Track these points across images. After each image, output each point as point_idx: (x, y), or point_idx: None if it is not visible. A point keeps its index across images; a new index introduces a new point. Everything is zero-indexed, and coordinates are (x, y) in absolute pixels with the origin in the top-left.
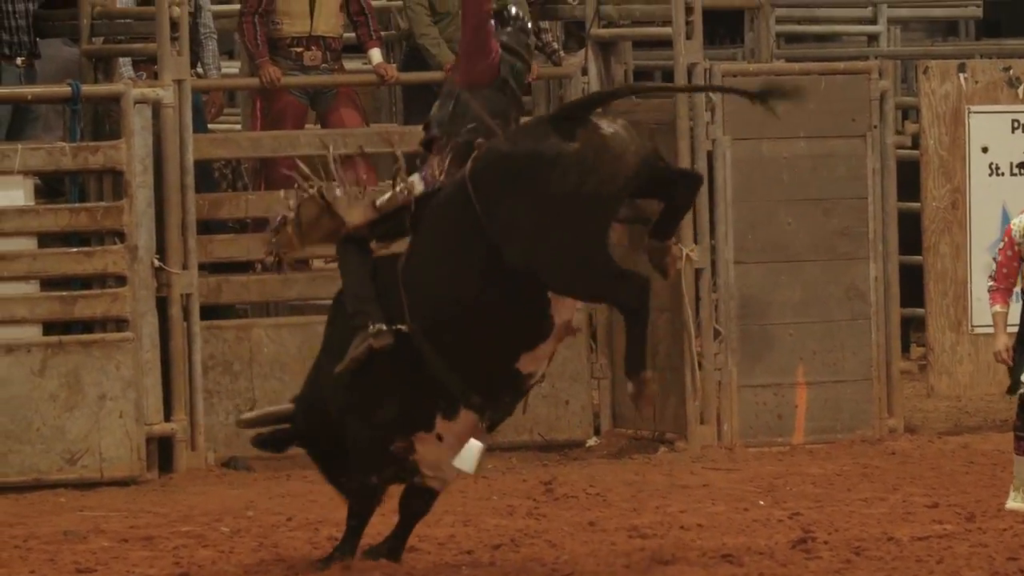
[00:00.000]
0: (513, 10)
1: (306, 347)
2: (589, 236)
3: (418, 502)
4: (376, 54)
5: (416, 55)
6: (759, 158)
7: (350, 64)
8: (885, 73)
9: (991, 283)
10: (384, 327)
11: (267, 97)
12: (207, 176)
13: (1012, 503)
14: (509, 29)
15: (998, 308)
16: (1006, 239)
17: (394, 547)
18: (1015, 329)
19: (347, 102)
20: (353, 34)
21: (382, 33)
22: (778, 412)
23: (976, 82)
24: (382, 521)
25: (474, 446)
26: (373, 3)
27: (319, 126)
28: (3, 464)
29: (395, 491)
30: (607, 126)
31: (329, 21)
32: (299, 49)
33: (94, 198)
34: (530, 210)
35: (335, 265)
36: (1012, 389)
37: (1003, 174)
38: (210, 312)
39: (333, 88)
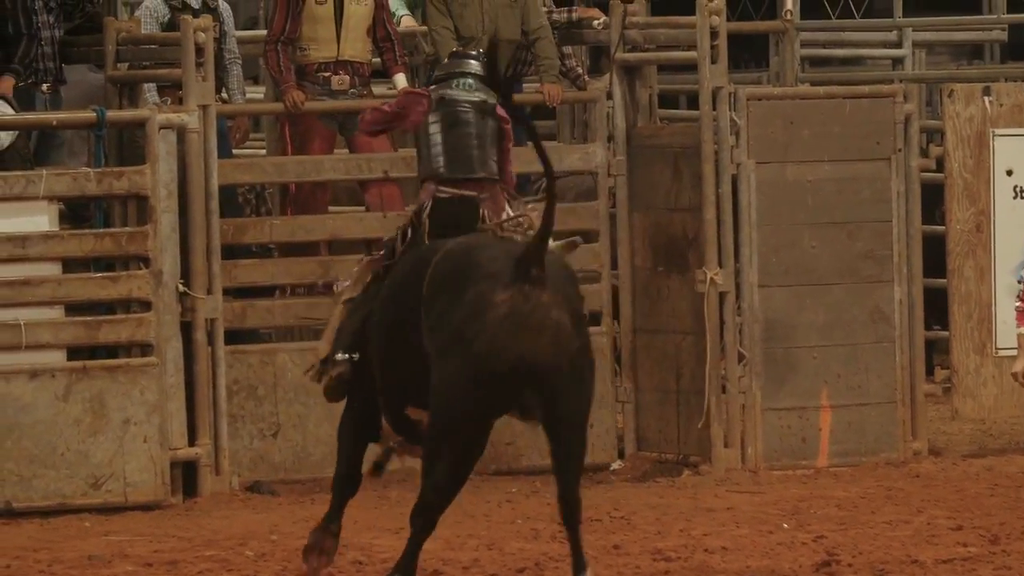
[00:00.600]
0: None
1: None
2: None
3: None
4: (401, 79)
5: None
6: (783, 181)
7: (378, 89)
8: (910, 96)
9: (1018, 303)
10: (342, 356)
11: (295, 123)
12: (232, 201)
13: None
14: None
15: (1022, 330)
16: None
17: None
18: None
19: None
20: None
21: (407, 58)
22: (802, 435)
23: (1001, 105)
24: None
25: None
26: (399, 28)
27: (347, 151)
28: (28, 489)
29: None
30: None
31: (356, 46)
32: (327, 74)
33: (119, 223)
34: (444, 335)
35: None
36: None
37: None
38: (235, 337)
39: (361, 113)
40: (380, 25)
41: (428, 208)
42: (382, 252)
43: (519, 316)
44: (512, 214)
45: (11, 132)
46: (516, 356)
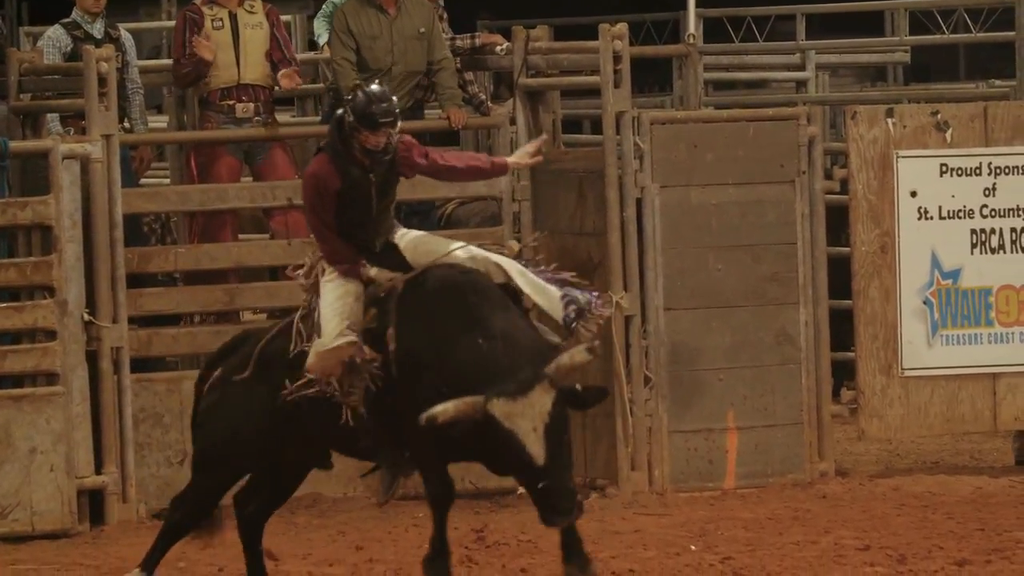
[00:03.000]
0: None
1: None
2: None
3: None
4: (297, 78)
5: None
6: (688, 205)
7: (284, 116)
8: (813, 119)
9: None
10: None
11: (200, 152)
12: (136, 230)
13: None
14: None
15: None
16: None
17: None
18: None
19: (279, 152)
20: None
21: (308, 86)
22: (709, 457)
23: (904, 127)
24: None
25: None
26: (301, 55)
27: (252, 178)
28: None
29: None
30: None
31: (256, 70)
32: (230, 101)
33: (23, 253)
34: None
35: (263, 317)
36: None
37: (932, 218)
38: (140, 365)
39: (267, 142)
40: (276, 48)
41: None
42: None
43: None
44: None
45: None
46: None
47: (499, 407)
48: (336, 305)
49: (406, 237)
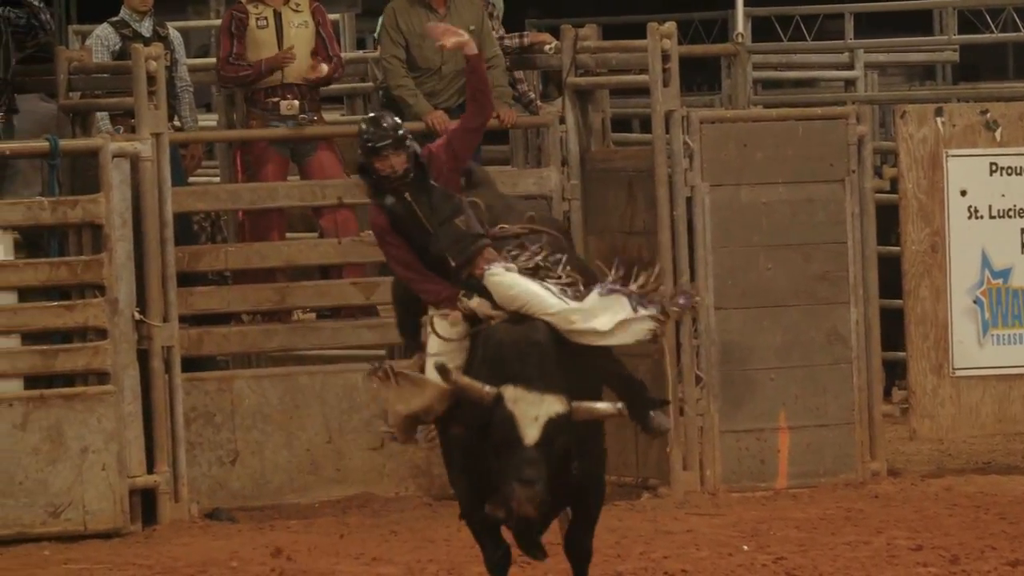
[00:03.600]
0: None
1: (287, 398)
2: None
3: None
4: (324, 67)
5: (392, 106)
6: (738, 204)
7: (330, 115)
8: (863, 118)
9: None
10: None
11: (247, 150)
12: (186, 228)
13: None
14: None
15: None
16: None
17: None
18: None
19: (327, 152)
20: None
21: (357, 84)
22: (761, 457)
23: (954, 126)
24: None
25: None
26: (349, 55)
27: (299, 177)
28: None
29: None
30: None
31: (300, 68)
32: (275, 99)
33: (74, 252)
34: None
35: (313, 316)
36: None
37: (982, 217)
38: (191, 364)
39: (314, 140)
40: (321, 46)
41: None
42: None
43: None
44: None
45: None
46: None
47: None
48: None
49: (495, 278)
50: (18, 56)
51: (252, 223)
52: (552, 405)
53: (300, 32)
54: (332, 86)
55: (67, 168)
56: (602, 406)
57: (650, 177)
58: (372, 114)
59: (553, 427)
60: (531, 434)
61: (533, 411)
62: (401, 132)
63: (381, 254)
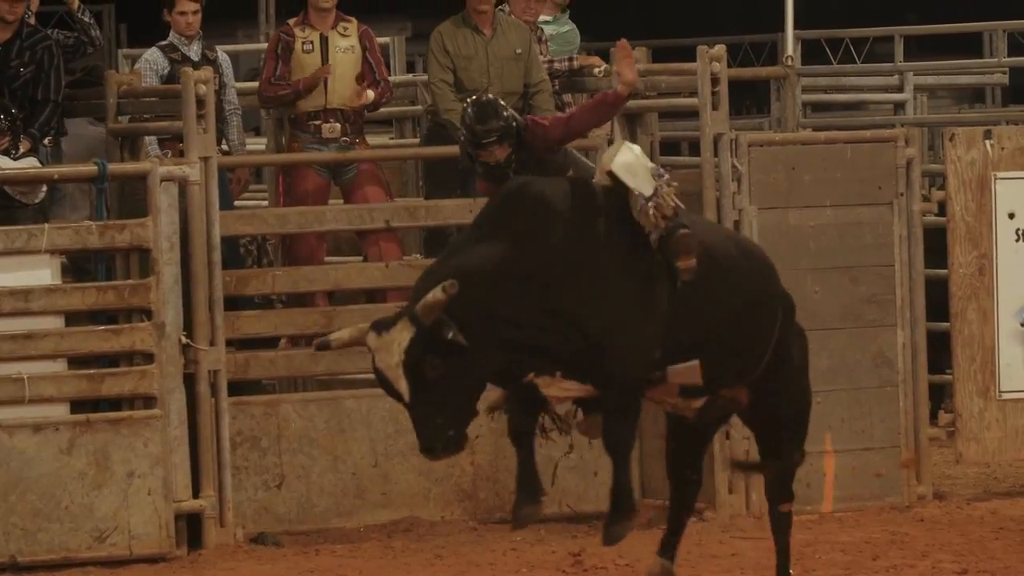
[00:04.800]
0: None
1: (333, 422)
2: None
3: None
4: (369, 93)
5: (439, 131)
6: (786, 227)
7: (374, 139)
8: (911, 141)
9: None
10: None
11: (289, 173)
12: (233, 252)
13: None
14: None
15: None
16: None
17: None
18: None
19: (370, 176)
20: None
21: (406, 108)
22: (806, 480)
23: (1002, 148)
24: None
25: None
26: (399, 78)
27: (342, 201)
28: (32, 543)
29: None
30: None
31: (344, 94)
32: (317, 122)
33: (121, 276)
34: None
35: None
36: None
37: None
38: (238, 388)
39: (355, 162)
40: (369, 71)
41: None
42: None
43: None
44: None
45: (43, 187)
46: None
47: (371, 339)
48: None
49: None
50: (68, 80)
51: (292, 246)
52: (400, 339)
53: (346, 57)
54: (381, 110)
55: (115, 192)
56: (436, 292)
57: (698, 200)
58: (478, 100)
59: (413, 361)
60: (403, 388)
61: (390, 358)
62: (504, 124)
63: None
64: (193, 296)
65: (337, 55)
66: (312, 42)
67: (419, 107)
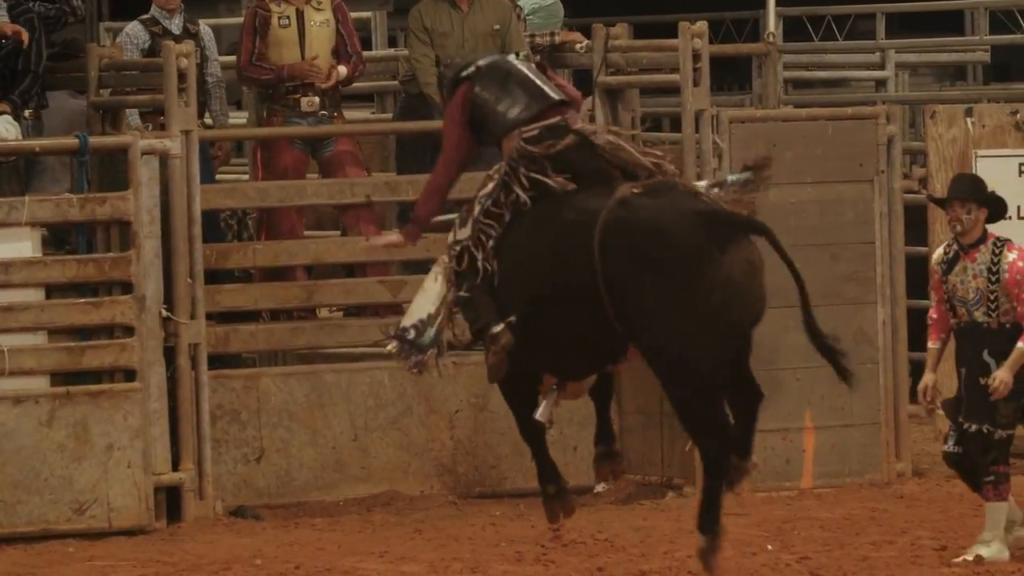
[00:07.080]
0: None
1: (313, 395)
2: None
3: None
4: (343, 69)
5: (412, 106)
6: (766, 203)
7: (352, 114)
8: (892, 118)
9: (932, 315)
10: (499, 327)
11: (267, 147)
12: (214, 226)
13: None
14: None
15: (929, 344)
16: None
17: None
18: None
19: (348, 156)
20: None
21: (387, 83)
22: (786, 456)
23: (983, 126)
24: None
25: None
26: (380, 52)
27: (319, 174)
28: (12, 515)
29: None
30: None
31: (322, 67)
32: (296, 96)
33: (101, 249)
34: (663, 305)
35: (339, 314)
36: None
37: (1010, 218)
38: (218, 361)
39: (333, 137)
40: (342, 45)
41: (517, 153)
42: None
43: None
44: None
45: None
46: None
47: None
48: None
49: None
50: (49, 52)
51: (270, 220)
52: None
53: (321, 31)
54: (362, 84)
55: (96, 165)
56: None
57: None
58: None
59: None
60: None
61: None
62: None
63: (407, 253)
64: (173, 269)
65: (313, 29)
66: (288, 17)
67: (395, 82)
